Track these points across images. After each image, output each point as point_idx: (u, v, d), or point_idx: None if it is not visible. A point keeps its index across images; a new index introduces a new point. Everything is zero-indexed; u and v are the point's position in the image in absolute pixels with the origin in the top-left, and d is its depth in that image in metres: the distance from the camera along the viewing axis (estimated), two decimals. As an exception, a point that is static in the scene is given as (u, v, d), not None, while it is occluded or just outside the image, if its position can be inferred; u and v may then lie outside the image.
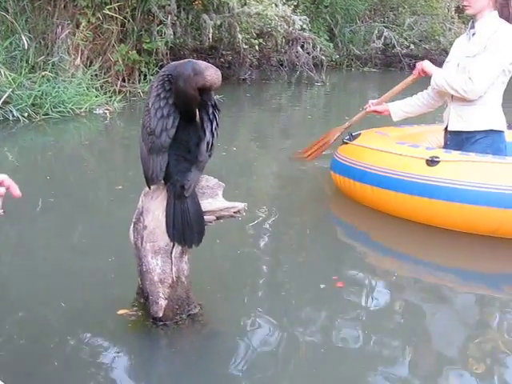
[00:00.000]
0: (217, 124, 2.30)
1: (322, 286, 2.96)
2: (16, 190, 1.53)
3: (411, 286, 3.15)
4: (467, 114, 3.71)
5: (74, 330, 2.43)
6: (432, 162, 3.56)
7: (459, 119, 3.75)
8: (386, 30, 13.65)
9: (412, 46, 13.71)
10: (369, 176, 3.84)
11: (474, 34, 3.67)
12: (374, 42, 13.64)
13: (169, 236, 2.25)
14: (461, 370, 2.30)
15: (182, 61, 2.32)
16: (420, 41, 14.09)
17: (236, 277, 3.05)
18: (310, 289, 2.97)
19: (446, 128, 3.90)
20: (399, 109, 4.19)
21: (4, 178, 1.55)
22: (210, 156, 2.31)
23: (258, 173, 5.27)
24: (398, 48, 13.50)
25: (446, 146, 3.92)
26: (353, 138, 4.20)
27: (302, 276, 3.15)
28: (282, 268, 3.32)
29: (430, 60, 13.57)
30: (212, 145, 2.28)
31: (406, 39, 13.69)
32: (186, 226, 2.23)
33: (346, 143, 4.21)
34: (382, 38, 13.56)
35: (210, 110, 2.27)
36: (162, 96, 2.22)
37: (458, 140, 3.81)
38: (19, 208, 3.58)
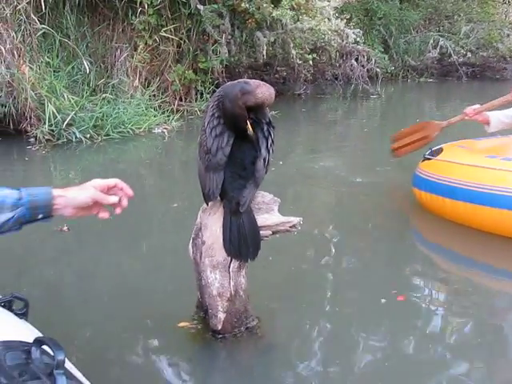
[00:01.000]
0: (272, 141, 2.36)
1: (383, 300, 2.97)
2: (129, 191, 1.67)
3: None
4: None
5: (137, 342, 2.51)
6: None
7: None
8: (441, 38, 13.45)
9: (469, 54, 13.44)
10: (461, 192, 3.73)
11: None
12: (429, 51, 13.44)
13: (226, 250, 2.31)
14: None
15: (235, 81, 2.40)
16: (477, 48, 13.80)
17: (294, 291, 3.08)
18: (370, 303, 2.98)
19: None
20: (498, 119, 4.15)
21: (116, 181, 1.68)
22: (265, 172, 2.37)
23: (316, 188, 5.28)
24: (455, 57, 13.26)
25: None
26: (435, 153, 4.12)
27: (363, 291, 3.16)
28: (343, 282, 3.33)
29: (489, 68, 13.21)
30: (268, 161, 2.34)
31: (462, 47, 13.44)
32: (242, 241, 2.29)
33: (429, 159, 4.11)
34: (438, 48, 13.35)
35: (265, 128, 2.33)
36: (216, 115, 2.30)
37: None
38: (82, 226, 3.73)
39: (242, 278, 2.45)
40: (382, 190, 4.96)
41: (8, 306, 1.50)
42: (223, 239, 2.31)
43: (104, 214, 1.67)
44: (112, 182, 1.67)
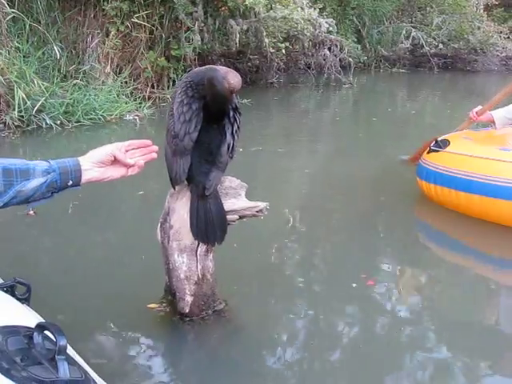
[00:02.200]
0: (238, 127, 2.39)
1: (353, 285, 3.02)
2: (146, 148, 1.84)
3: None
4: None
5: (106, 319, 2.54)
6: None
7: None
8: (413, 30, 13.58)
9: (441, 46, 13.61)
10: (477, 186, 3.69)
11: None
12: (402, 42, 13.58)
13: (193, 234, 2.34)
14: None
15: (202, 67, 2.42)
16: (449, 40, 13.98)
17: (263, 276, 3.12)
18: (339, 287, 3.03)
19: None
20: (503, 116, 4.18)
21: (130, 142, 1.81)
22: (231, 157, 2.39)
23: (287, 175, 5.32)
24: (427, 48, 13.41)
25: None
26: (443, 145, 4.08)
27: (333, 274, 3.21)
28: (312, 266, 3.37)
29: (460, 59, 13.41)
30: (233, 146, 2.37)
31: (434, 39, 13.60)
32: (209, 225, 2.32)
33: (437, 151, 4.08)
34: (410, 39, 13.49)
35: (231, 113, 2.36)
36: (185, 102, 2.31)
37: None
38: (49, 210, 3.72)
39: (210, 262, 2.48)
40: (353, 175, 5.02)
41: (10, 290, 1.50)
42: (190, 223, 2.33)
43: (132, 171, 1.79)
44: (126, 143, 1.78)
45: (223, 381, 2.23)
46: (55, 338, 1.15)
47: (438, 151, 4.08)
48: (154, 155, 1.85)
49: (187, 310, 2.45)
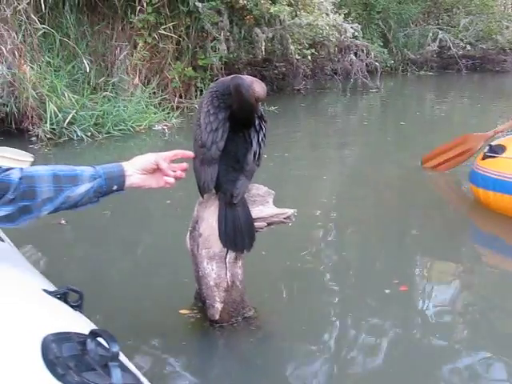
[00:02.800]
0: (264, 135, 2.43)
1: (386, 291, 3.01)
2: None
3: None
4: None
5: (139, 325, 2.59)
6: None
7: None
8: (440, 32, 13.49)
9: (468, 47, 13.48)
10: None
11: None
12: (428, 45, 13.49)
13: (221, 242, 2.38)
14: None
15: (227, 77, 2.47)
16: (476, 41, 13.85)
17: (294, 282, 3.13)
18: (371, 293, 3.03)
19: None
20: None
21: (175, 152, 1.95)
22: (257, 165, 2.44)
23: (315, 180, 5.34)
24: (454, 49, 13.31)
25: None
26: (499, 150, 3.99)
27: (364, 281, 3.20)
28: (343, 272, 3.37)
29: (488, 60, 13.27)
30: (259, 154, 2.41)
31: (461, 40, 13.49)
32: (238, 232, 2.36)
33: (493, 156, 3.98)
34: (437, 41, 13.40)
35: (257, 122, 2.40)
36: (211, 112, 2.37)
37: None
38: (80, 220, 3.80)
39: (239, 269, 2.52)
40: (382, 180, 5.02)
41: (63, 298, 1.53)
42: (219, 231, 2.38)
43: (170, 180, 1.88)
44: (171, 153, 1.90)
45: (253, 386, 2.27)
46: (108, 344, 1.17)
47: (494, 157, 3.98)
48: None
49: (217, 317, 2.49)
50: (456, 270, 3.48)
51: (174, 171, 1.90)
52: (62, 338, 1.23)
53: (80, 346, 1.22)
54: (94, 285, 3.09)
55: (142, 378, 1.27)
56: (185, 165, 1.92)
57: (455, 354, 2.48)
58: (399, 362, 2.45)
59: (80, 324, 1.40)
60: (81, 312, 1.53)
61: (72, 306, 1.53)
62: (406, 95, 11.73)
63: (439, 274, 3.42)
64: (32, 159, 2.63)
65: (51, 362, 1.14)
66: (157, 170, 1.85)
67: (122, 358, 1.25)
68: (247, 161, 2.38)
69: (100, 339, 1.22)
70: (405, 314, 2.86)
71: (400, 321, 2.80)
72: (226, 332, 2.49)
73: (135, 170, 1.81)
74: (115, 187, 1.78)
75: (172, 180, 1.88)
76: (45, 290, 1.54)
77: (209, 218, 2.46)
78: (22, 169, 1.66)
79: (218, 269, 2.45)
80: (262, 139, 2.41)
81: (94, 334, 1.22)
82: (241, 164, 2.40)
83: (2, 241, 1.90)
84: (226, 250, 2.43)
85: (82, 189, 1.71)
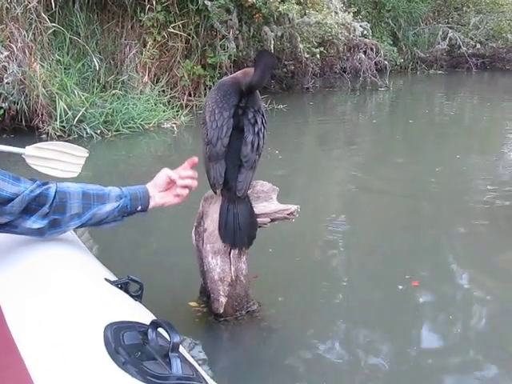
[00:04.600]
0: (263, 126, 2.46)
1: (400, 287, 3.03)
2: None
3: None
4: None
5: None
6: None
7: None
8: (450, 30, 13.45)
9: (478, 46, 13.42)
10: None
11: None
12: (438, 43, 13.44)
13: (220, 237, 2.43)
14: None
15: (227, 76, 2.57)
16: (487, 39, 13.79)
17: (300, 278, 3.16)
18: (382, 289, 3.05)
19: None
20: None
21: (184, 164, 1.98)
22: (258, 155, 2.46)
23: (324, 179, 5.36)
24: (464, 48, 13.26)
25: None
26: None
27: (374, 277, 3.23)
28: (351, 269, 3.38)
29: (499, 58, 13.09)
30: (258, 145, 2.44)
31: (471, 39, 13.43)
32: (237, 229, 2.40)
33: None
34: (447, 39, 13.35)
35: (251, 115, 2.44)
36: (216, 111, 2.45)
37: None
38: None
39: (243, 264, 2.55)
40: (392, 177, 5.05)
41: (124, 288, 1.58)
42: (219, 226, 2.43)
43: (180, 192, 1.95)
44: (181, 167, 1.96)
45: (256, 379, 2.30)
46: (169, 335, 1.19)
47: None
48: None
49: (221, 311, 2.53)
50: (469, 266, 3.47)
51: (185, 186, 1.95)
52: (123, 326, 1.27)
53: (141, 335, 1.25)
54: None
55: (200, 370, 1.29)
56: (195, 159, 1.96)
57: (469, 356, 2.49)
58: (408, 358, 2.47)
59: (140, 314, 1.44)
60: (140, 302, 1.57)
61: (132, 296, 1.57)
62: (416, 94, 11.71)
63: (452, 270, 3.41)
64: (87, 154, 2.71)
65: (113, 350, 1.17)
66: (172, 185, 1.93)
67: (181, 349, 1.27)
68: (243, 153, 2.42)
69: (160, 330, 1.24)
70: (416, 309, 2.87)
71: (411, 316, 2.80)
72: (231, 326, 2.53)
73: (156, 190, 1.91)
74: (139, 208, 1.89)
75: (183, 192, 1.94)
76: (106, 280, 1.57)
77: (213, 213, 2.50)
78: (57, 184, 1.75)
79: (222, 263, 2.49)
80: (260, 130, 2.44)
81: (155, 324, 1.25)
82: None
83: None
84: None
85: (108, 207, 1.81)
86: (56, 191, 1.71)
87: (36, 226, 1.68)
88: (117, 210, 1.83)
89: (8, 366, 1.18)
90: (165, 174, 1.93)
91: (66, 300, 1.37)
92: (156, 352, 1.20)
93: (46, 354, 1.17)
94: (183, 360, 1.22)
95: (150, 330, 1.24)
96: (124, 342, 1.21)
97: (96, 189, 1.82)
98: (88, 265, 1.70)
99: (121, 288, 1.56)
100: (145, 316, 1.42)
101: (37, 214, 1.67)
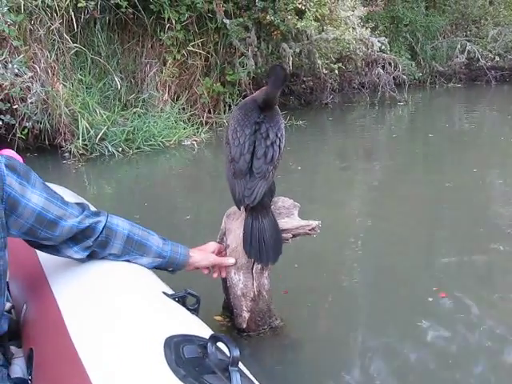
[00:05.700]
0: (279, 139, 2.48)
1: (429, 299, 3.01)
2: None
3: None
4: None
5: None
6: None
7: None
8: (468, 43, 13.43)
9: (497, 58, 13.37)
10: None
11: None
12: (457, 56, 13.42)
13: (246, 253, 2.45)
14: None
15: (250, 96, 2.60)
16: (505, 52, 13.72)
17: (324, 293, 3.14)
18: (410, 303, 3.02)
19: None
20: None
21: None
22: (273, 168, 2.48)
23: (345, 193, 5.36)
24: (483, 61, 13.23)
25: None
26: None
27: (400, 291, 3.19)
28: (377, 284, 3.34)
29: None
30: (273, 156, 2.46)
31: (490, 51, 13.39)
32: (263, 244, 2.42)
33: None
34: (466, 52, 13.33)
35: (264, 129, 2.47)
36: (238, 129, 2.49)
37: None
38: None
39: (265, 280, 2.57)
40: (414, 193, 5.03)
41: (182, 301, 1.61)
42: (244, 242, 2.44)
43: (215, 275, 2.34)
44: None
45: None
46: (229, 349, 1.20)
47: None
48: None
49: (244, 326, 2.55)
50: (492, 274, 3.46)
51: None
52: (183, 340, 1.29)
53: (200, 349, 1.27)
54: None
55: None
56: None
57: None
58: (437, 378, 2.44)
59: (198, 327, 1.46)
60: (197, 315, 1.59)
61: (189, 310, 1.59)
62: (435, 107, 11.67)
63: (476, 278, 3.37)
64: None
65: (174, 363, 1.19)
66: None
67: (240, 364, 1.27)
68: (255, 165, 2.45)
69: (219, 344, 1.26)
70: (446, 323, 2.85)
71: (441, 331, 2.77)
72: (253, 341, 2.55)
73: (193, 265, 2.10)
74: (171, 269, 1.99)
75: (215, 274, 2.32)
76: (164, 293, 1.60)
77: (236, 229, 2.53)
78: (107, 218, 1.80)
79: (244, 279, 2.52)
80: (274, 143, 2.46)
81: (214, 338, 1.26)
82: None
83: None
84: (252, 260, 2.50)
85: (145, 261, 1.87)
86: (104, 226, 1.76)
87: (77, 256, 1.74)
88: (151, 265, 1.88)
89: (71, 378, 1.21)
90: (211, 262, 2.26)
91: (127, 313, 1.40)
92: (215, 366, 1.21)
93: (109, 367, 1.20)
94: (242, 375, 1.23)
95: (209, 344, 1.25)
96: (184, 356, 1.23)
97: (141, 236, 1.87)
98: (146, 278, 1.73)
99: (178, 301, 1.59)
100: (202, 330, 1.43)
101: (80, 244, 1.72)
